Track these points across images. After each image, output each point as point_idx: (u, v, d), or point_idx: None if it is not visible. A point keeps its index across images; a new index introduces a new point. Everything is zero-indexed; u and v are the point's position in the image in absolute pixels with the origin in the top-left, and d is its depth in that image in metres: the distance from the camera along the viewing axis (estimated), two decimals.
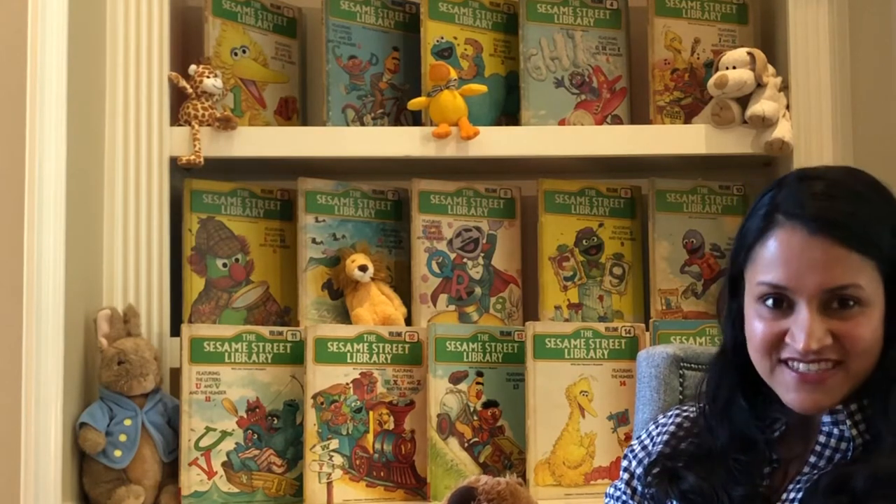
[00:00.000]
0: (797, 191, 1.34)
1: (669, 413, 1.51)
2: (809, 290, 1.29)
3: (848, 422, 1.33)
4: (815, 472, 1.33)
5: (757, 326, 1.34)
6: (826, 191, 1.32)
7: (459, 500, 1.41)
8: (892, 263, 1.31)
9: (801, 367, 1.31)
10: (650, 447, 1.48)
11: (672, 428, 1.47)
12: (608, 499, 1.52)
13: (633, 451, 1.51)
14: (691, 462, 1.40)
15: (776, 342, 1.32)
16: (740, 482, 1.36)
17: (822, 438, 1.35)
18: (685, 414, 1.49)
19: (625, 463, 1.51)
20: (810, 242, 1.29)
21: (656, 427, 1.50)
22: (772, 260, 1.32)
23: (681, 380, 1.65)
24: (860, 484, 1.27)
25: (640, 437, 1.52)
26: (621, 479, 1.51)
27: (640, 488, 1.47)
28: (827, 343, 1.29)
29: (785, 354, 1.32)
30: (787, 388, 1.33)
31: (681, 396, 1.64)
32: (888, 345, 1.32)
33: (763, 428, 1.39)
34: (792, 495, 1.33)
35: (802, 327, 1.29)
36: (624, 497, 1.49)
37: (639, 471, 1.48)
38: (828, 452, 1.34)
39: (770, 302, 1.32)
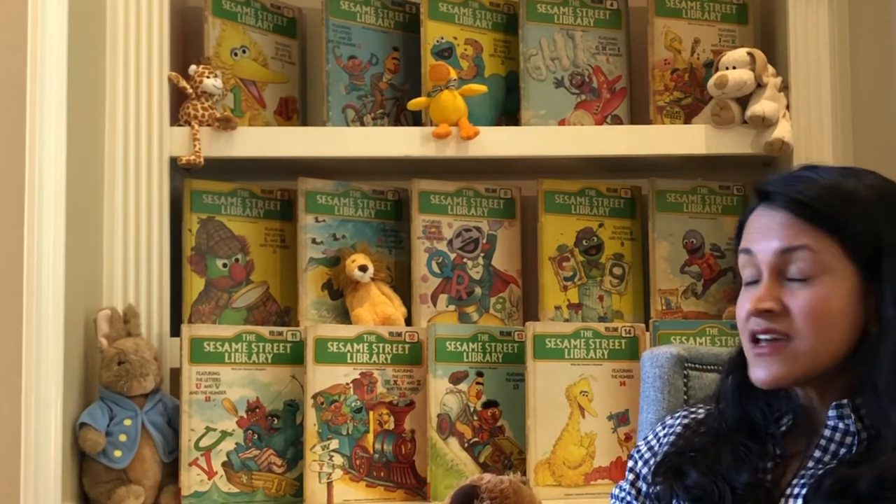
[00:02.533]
0: (777, 177, 1.42)
1: (677, 414, 1.52)
2: (768, 255, 1.36)
3: (853, 416, 1.33)
4: (820, 466, 1.33)
5: (739, 305, 1.40)
6: (798, 175, 1.40)
7: (463, 499, 1.41)
8: (864, 250, 1.33)
9: (760, 338, 1.35)
10: (657, 448, 1.48)
11: (679, 429, 1.47)
12: (613, 499, 1.52)
13: (639, 451, 1.51)
14: (697, 455, 1.41)
15: (748, 317, 1.37)
16: (744, 469, 1.36)
17: (826, 433, 1.35)
18: (693, 416, 1.49)
19: (630, 463, 1.51)
20: (774, 216, 1.37)
21: (663, 428, 1.50)
22: (746, 233, 1.41)
23: (685, 380, 1.65)
24: (864, 487, 1.27)
25: (646, 437, 1.52)
26: (626, 479, 1.51)
27: (644, 489, 1.47)
28: (771, 307, 1.33)
29: (748, 329, 1.36)
30: (751, 364, 1.37)
31: (685, 397, 1.64)
32: (866, 334, 1.33)
33: (769, 422, 1.40)
34: (796, 490, 1.32)
35: (756, 292, 1.36)
36: (628, 498, 1.49)
37: (644, 471, 1.48)
38: (833, 447, 1.34)
39: (748, 280, 1.39)
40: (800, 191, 1.35)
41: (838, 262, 1.33)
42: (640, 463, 1.49)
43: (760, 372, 1.35)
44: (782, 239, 1.34)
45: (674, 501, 1.40)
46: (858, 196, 1.35)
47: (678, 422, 1.49)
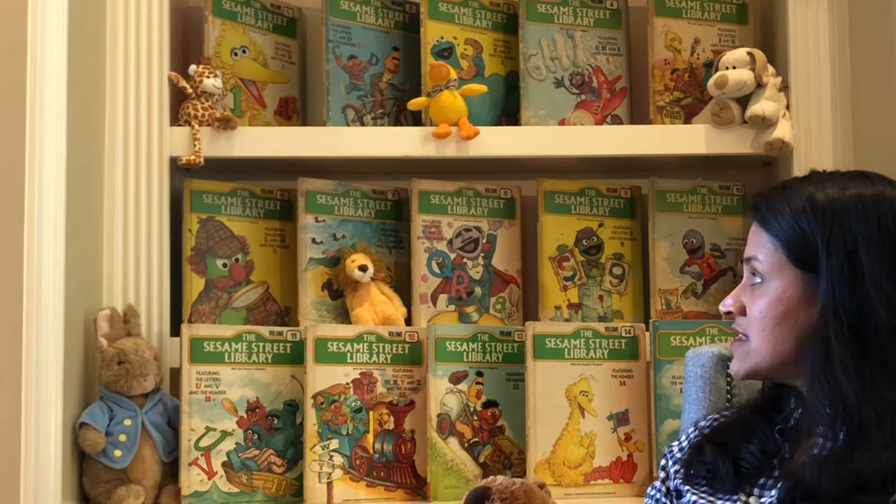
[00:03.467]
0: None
1: (709, 417, 1.56)
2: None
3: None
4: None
5: None
6: (784, 181, 1.46)
7: (475, 500, 1.43)
8: (805, 255, 1.38)
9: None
10: (687, 449, 1.50)
11: (708, 432, 1.50)
12: (648, 499, 1.56)
13: (671, 451, 1.55)
14: (716, 432, 1.48)
15: None
16: (753, 441, 1.42)
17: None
18: (723, 419, 1.52)
19: (662, 462, 1.56)
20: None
21: (695, 430, 1.54)
22: None
23: (728, 379, 1.65)
24: (824, 490, 1.29)
25: (679, 439, 1.56)
26: (659, 478, 1.56)
27: (672, 487, 1.50)
28: (729, 307, 1.45)
29: None
30: None
31: (729, 396, 1.65)
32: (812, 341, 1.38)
33: (782, 411, 1.45)
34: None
35: None
36: (658, 495, 1.54)
37: (673, 470, 1.50)
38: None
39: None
40: (761, 196, 1.44)
41: (777, 269, 1.40)
42: (670, 462, 1.53)
43: (731, 366, 1.49)
44: (747, 248, 1.45)
45: (693, 480, 1.45)
46: (815, 202, 1.38)
47: (708, 424, 1.52)
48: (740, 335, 1.45)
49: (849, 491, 1.28)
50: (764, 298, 1.41)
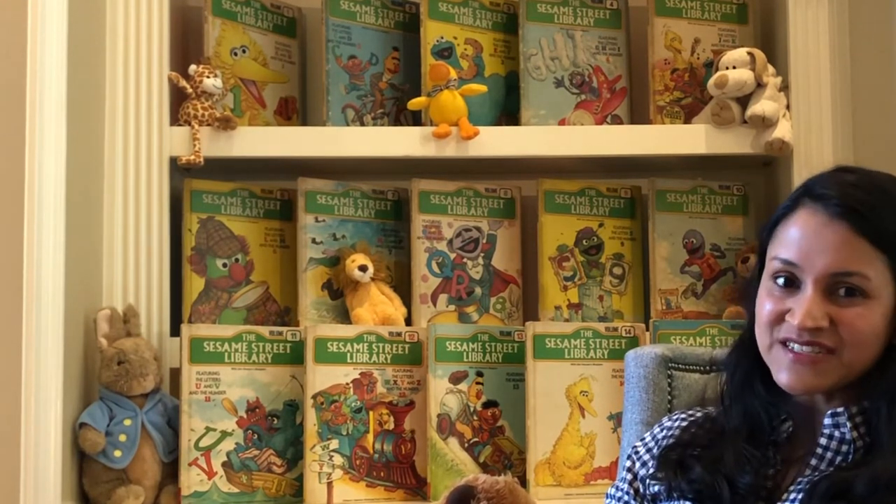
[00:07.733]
0: (829, 178, 1.38)
1: (674, 416, 1.52)
2: (817, 271, 1.33)
3: (849, 424, 1.34)
4: (816, 474, 1.34)
5: (765, 303, 1.37)
6: (855, 182, 1.36)
7: (459, 499, 1.41)
8: None
9: (796, 347, 1.33)
10: (655, 450, 1.48)
11: (677, 432, 1.48)
12: (609, 499, 1.52)
13: (636, 452, 1.51)
14: (700, 451, 1.41)
15: (778, 319, 1.35)
16: (747, 471, 1.37)
17: (822, 441, 1.36)
18: (691, 418, 1.49)
19: (628, 463, 1.51)
20: (828, 225, 1.33)
21: (661, 430, 1.50)
22: (789, 237, 1.36)
23: (669, 380, 1.65)
24: (860, 489, 1.27)
25: (643, 439, 1.52)
26: (623, 479, 1.51)
27: (642, 489, 1.47)
28: (823, 325, 1.32)
29: (782, 333, 1.35)
30: (779, 366, 1.36)
31: (669, 397, 1.64)
32: (894, 347, 1.33)
33: (772, 422, 1.41)
34: (793, 496, 1.33)
35: (802, 305, 1.33)
36: (626, 497, 1.49)
37: (642, 472, 1.48)
38: (829, 455, 1.35)
39: (781, 280, 1.36)
40: (862, 202, 1.33)
41: (884, 285, 1.33)
42: (637, 464, 1.49)
43: (793, 378, 1.34)
44: (841, 261, 1.32)
45: (675, 494, 1.40)
46: None
47: (676, 423, 1.49)
48: (821, 349, 1.32)
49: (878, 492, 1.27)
50: (871, 317, 1.32)
